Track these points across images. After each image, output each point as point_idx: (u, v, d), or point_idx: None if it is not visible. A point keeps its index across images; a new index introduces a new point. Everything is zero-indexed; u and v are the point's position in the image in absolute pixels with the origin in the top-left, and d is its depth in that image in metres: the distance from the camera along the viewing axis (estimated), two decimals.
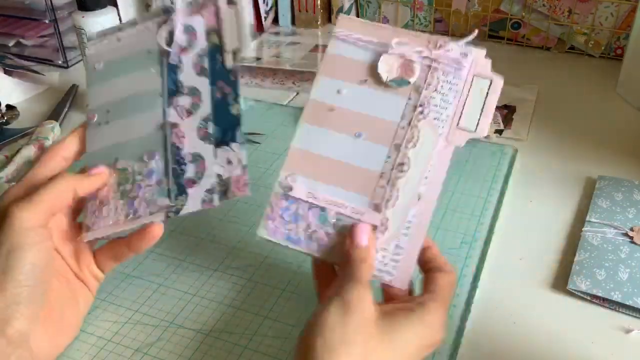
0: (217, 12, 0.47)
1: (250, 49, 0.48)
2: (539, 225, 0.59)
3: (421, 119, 0.45)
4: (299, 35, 1.04)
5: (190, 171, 0.46)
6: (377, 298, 0.40)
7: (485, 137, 0.72)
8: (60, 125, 0.77)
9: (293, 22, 1.08)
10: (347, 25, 0.47)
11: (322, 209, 0.44)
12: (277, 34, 1.05)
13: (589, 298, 0.49)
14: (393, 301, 0.42)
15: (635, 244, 0.53)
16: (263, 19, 1.04)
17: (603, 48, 0.94)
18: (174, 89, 0.48)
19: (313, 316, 0.38)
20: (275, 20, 1.08)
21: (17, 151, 0.70)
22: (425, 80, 0.45)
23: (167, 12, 0.49)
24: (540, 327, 0.48)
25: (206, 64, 0.47)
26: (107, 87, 0.50)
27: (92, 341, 0.48)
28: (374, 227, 0.43)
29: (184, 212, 0.45)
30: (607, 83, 0.86)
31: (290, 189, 0.45)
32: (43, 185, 0.43)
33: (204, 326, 0.48)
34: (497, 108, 0.78)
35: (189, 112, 0.47)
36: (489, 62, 0.45)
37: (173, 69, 0.48)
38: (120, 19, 0.77)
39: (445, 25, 1.03)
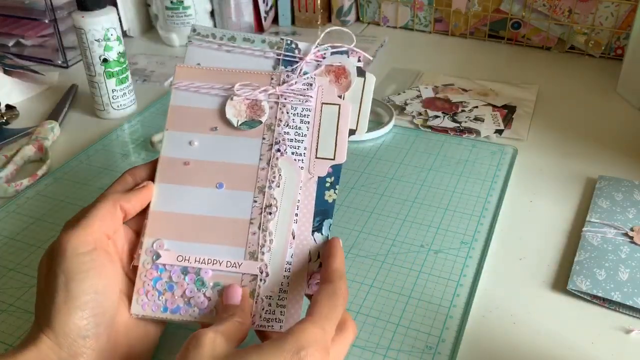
0: (345, 78, 0.45)
1: (363, 134, 0.45)
2: (539, 225, 0.58)
3: (279, 156, 0.44)
4: (298, 35, 1.04)
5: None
6: None
7: (485, 137, 0.72)
8: (60, 125, 0.77)
9: (293, 22, 1.08)
10: (186, 75, 0.46)
11: (197, 271, 0.42)
12: (277, 34, 1.05)
13: (589, 298, 0.49)
14: None
15: (635, 244, 0.53)
16: (263, 19, 1.04)
17: (603, 48, 0.93)
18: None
19: None
20: (275, 20, 1.08)
21: (17, 151, 0.70)
22: (276, 117, 0.44)
23: (293, 50, 0.45)
24: (540, 327, 0.48)
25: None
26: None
27: None
28: (254, 277, 0.42)
29: None
30: (607, 83, 0.86)
31: (158, 256, 0.42)
32: (88, 208, 0.41)
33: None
34: (497, 108, 0.78)
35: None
36: (334, 89, 0.45)
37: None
38: (120, 19, 0.77)
39: (445, 25, 1.03)
